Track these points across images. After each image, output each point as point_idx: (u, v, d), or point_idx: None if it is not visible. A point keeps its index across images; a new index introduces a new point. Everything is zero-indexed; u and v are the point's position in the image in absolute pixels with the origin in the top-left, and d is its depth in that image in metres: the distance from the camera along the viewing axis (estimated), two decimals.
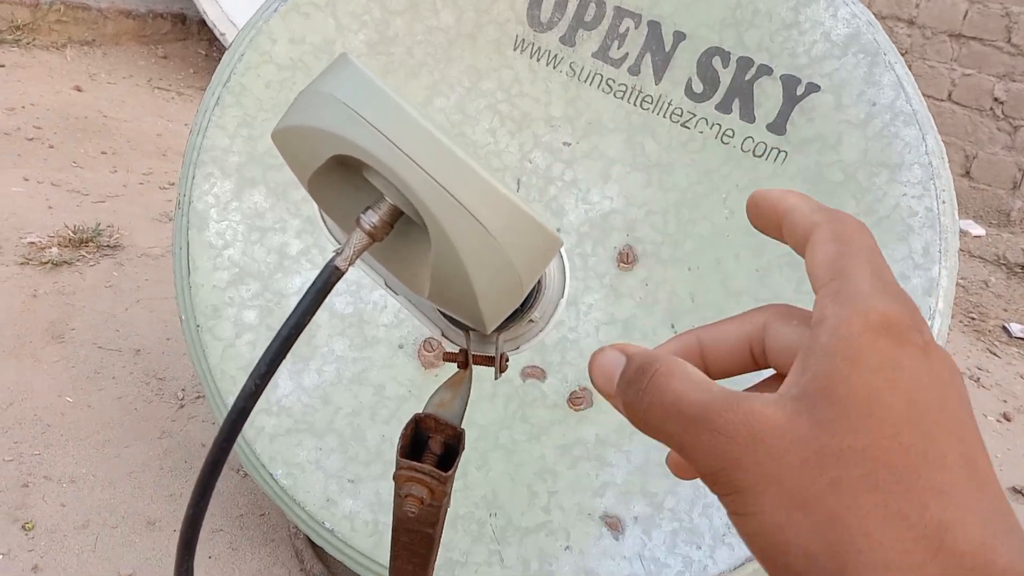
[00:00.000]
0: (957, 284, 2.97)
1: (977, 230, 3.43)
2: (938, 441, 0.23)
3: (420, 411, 0.48)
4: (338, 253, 0.36)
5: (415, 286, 0.37)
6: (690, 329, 0.33)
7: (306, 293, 0.36)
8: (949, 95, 3.54)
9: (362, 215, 0.35)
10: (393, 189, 0.33)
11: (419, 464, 0.45)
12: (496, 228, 0.32)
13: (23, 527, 1.20)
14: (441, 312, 0.48)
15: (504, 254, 0.32)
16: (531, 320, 0.50)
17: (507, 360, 0.53)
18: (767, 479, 0.23)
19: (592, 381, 0.31)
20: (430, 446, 0.45)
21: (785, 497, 0.23)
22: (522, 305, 0.51)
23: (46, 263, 1.86)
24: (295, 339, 0.38)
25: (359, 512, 1.08)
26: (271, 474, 1.09)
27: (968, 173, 3.58)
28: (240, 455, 1.12)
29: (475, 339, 0.50)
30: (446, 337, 0.53)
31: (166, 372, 1.59)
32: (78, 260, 1.91)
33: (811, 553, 0.23)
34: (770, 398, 0.25)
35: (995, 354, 2.49)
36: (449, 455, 0.46)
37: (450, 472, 0.44)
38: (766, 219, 0.31)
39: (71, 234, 1.98)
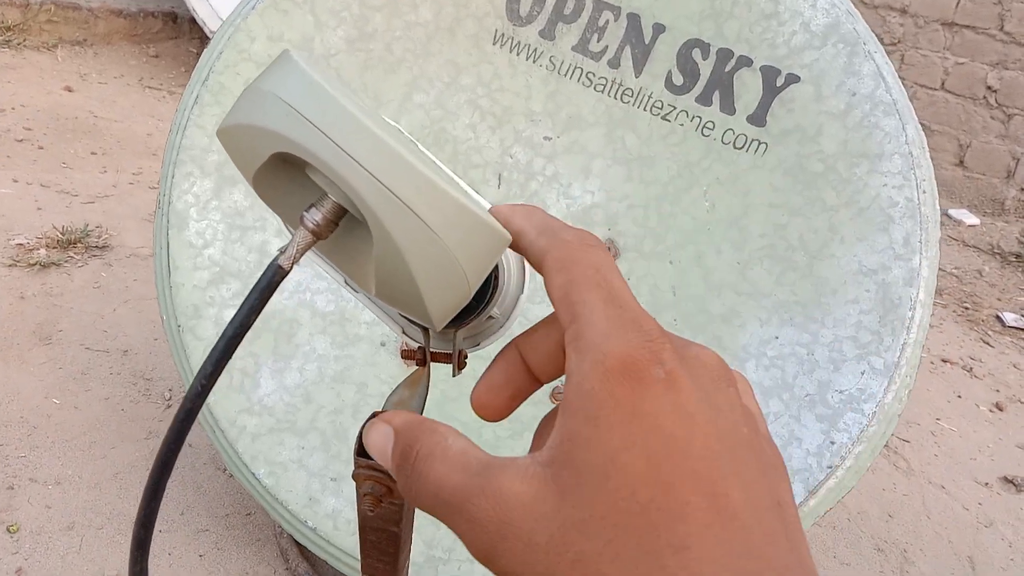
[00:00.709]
0: (951, 274, 2.97)
1: (971, 219, 3.42)
2: (677, 489, 0.22)
3: (379, 409, 0.47)
4: (282, 252, 0.36)
5: (363, 283, 0.37)
6: (513, 338, 0.33)
7: (251, 292, 0.36)
8: (942, 84, 3.53)
9: (305, 213, 0.35)
10: (335, 187, 0.33)
11: (375, 462, 0.44)
12: (437, 224, 0.32)
13: (8, 529, 1.20)
14: (402, 315, 0.48)
15: (447, 251, 0.32)
16: (491, 317, 0.50)
17: (466, 357, 0.53)
18: (520, 563, 0.23)
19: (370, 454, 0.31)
20: None
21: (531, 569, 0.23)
22: (480, 302, 0.50)
23: (34, 265, 1.86)
24: (241, 339, 0.37)
25: (342, 510, 1.08)
26: (253, 473, 1.09)
27: (962, 162, 3.57)
28: (223, 455, 1.11)
29: (434, 337, 0.50)
30: (406, 335, 0.52)
31: (153, 372, 1.59)
32: (66, 261, 1.91)
33: None
34: (523, 467, 0.25)
35: (988, 344, 2.48)
36: None
37: None
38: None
39: (59, 235, 1.98)
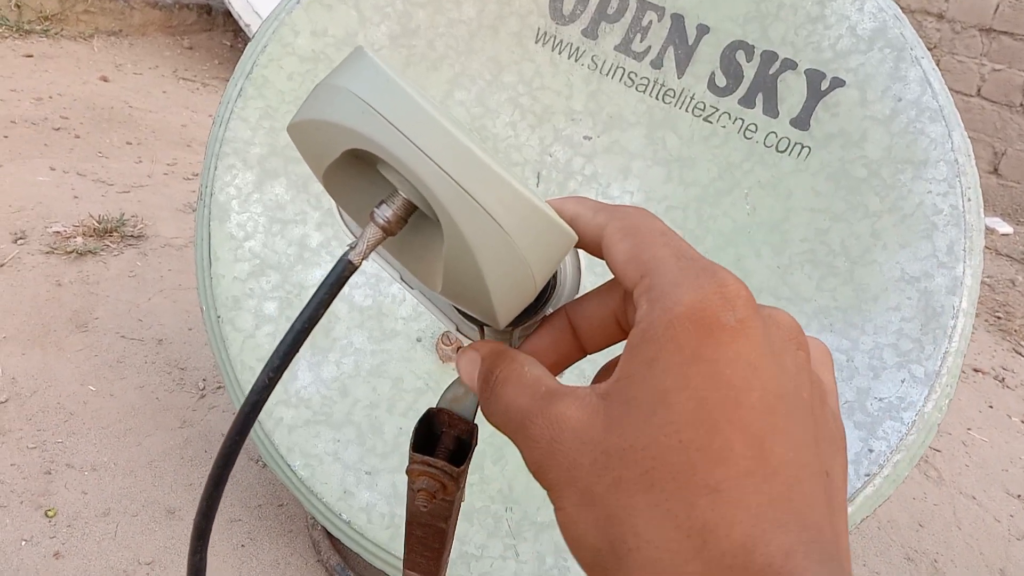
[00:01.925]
0: (983, 283, 2.93)
1: (1005, 228, 3.38)
2: (723, 434, 0.23)
3: (433, 405, 0.47)
4: (351, 247, 0.36)
5: (428, 281, 0.37)
6: (562, 306, 0.34)
7: (320, 286, 0.36)
8: (978, 91, 3.49)
9: (376, 209, 0.35)
10: (407, 184, 0.33)
11: (431, 459, 0.44)
12: (509, 224, 0.32)
13: (45, 514, 1.21)
14: (455, 307, 0.48)
15: (517, 250, 0.32)
16: (546, 315, 0.50)
17: None
18: (564, 480, 0.25)
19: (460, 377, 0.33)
20: (443, 441, 0.45)
21: (577, 496, 0.24)
22: (537, 300, 0.50)
23: (71, 252, 1.88)
24: (308, 333, 0.38)
25: (376, 504, 1.09)
26: (289, 465, 1.10)
27: (996, 170, 3.53)
28: (258, 445, 1.12)
29: (489, 334, 0.50)
30: (460, 332, 0.53)
31: (187, 362, 1.60)
32: (102, 250, 1.93)
33: (596, 548, 0.24)
34: (581, 396, 0.26)
35: (1021, 354, 2.45)
36: (462, 450, 0.46)
37: (463, 467, 0.44)
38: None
39: (96, 224, 2.00)
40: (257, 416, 0.44)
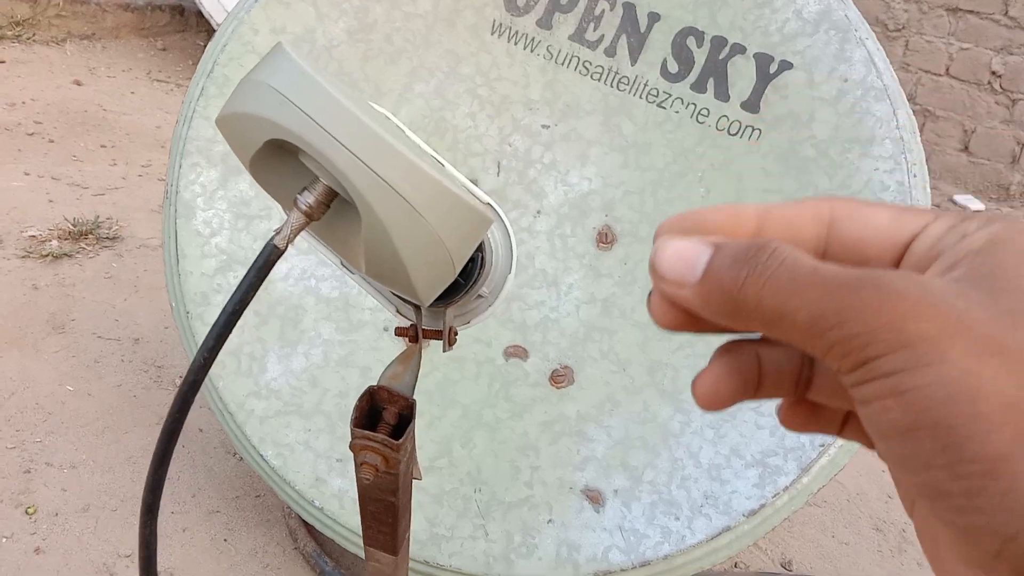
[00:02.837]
0: None
1: (976, 205, 3.42)
2: None
3: (373, 384, 0.50)
4: (277, 232, 0.38)
5: (354, 263, 0.39)
6: (738, 206, 0.28)
7: (248, 270, 0.39)
8: (947, 70, 3.53)
9: (299, 196, 0.37)
10: (325, 171, 0.35)
11: (372, 433, 0.47)
12: (422, 205, 0.34)
13: (26, 511, 1.23)
14: (395, 294, 0.51)
15: (431, 230, 0.34)
16: (480, 295, 0.53)
17: (456, 334, 0.55)
18: (953, 327, 0.21)
19: (659, 269, 0.26)
20: (384, 417, 0.47)
21: (977, 344, 0.21)
22: (467, 280, 0.53)
23: (47, 256, 1.89)
24: (240, 315, 0.40)
25: (347, 490, 1.11)
26: (262, 455, 1.12)
27: (967, 148, 3.57)
28: (231, 437, 1.14)
29: (426, 315, 0.52)
30: (400, 314, 0.55)
31: (164, 360, 1.62)
32: (78, 252, 1.94)
33: (1010, 400, 0.20)
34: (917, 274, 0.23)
35: None
36: (402, 425, 0.48)
37: (402, 440, 0.46)
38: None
39: (71, 227, 2.01)
40: (196, 394, 0.46)
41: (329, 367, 1.14)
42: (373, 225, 0.35)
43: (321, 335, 1.15)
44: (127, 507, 1.28)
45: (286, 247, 0.38)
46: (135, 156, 2.59)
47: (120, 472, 1.34)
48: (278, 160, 0.38)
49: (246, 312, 1.07)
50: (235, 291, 0.38)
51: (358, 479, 0.49)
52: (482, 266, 0.52)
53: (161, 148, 2.69)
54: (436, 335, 0.52)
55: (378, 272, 0.38)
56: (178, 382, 1.55)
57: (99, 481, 1.31)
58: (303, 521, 1.28)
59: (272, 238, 0.38)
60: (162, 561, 1.20)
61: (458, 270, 0.38)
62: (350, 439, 0.48)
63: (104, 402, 1.49)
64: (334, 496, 1.11)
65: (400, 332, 0.52)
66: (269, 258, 0.38)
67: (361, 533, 1.11)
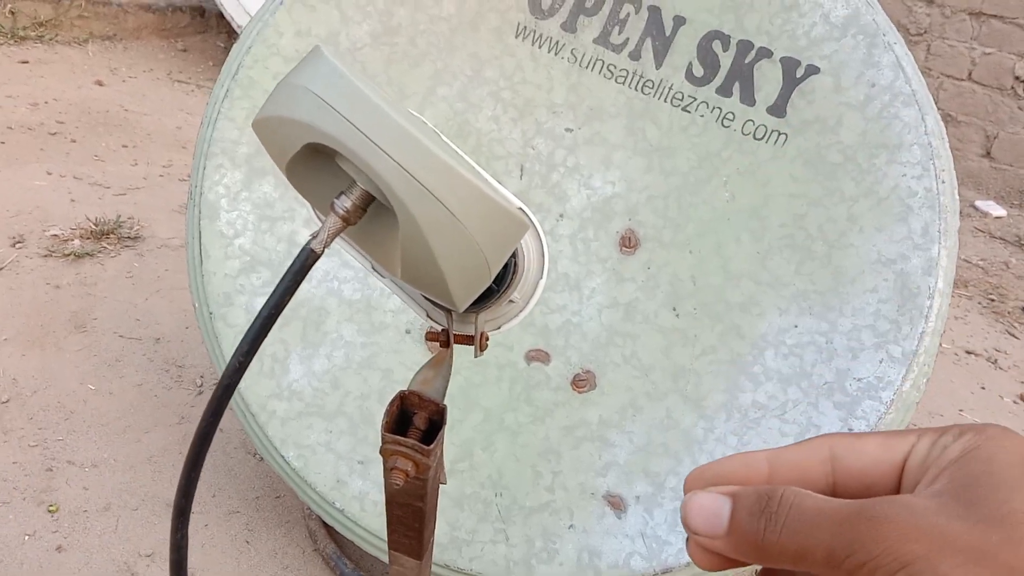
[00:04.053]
0: (976, 265, 2.95)
1: (998, 211, 3.39)
2: None
3: (404, 389, 0.50)
4: (314, 236, 0.38)
5: (389, 267, 0.39)
6: (746, 455, 0.32)
7: (285, 274, 0.38)
8: (969, 75, 3.50)
9: (336, 200, 0.37)
10: (363, 175, 0.35)
11: (403, 439, 0.47)
12: (460, 211, 0.34)
13: (48, 509, 1.24)
14: (423, 294, 0.51)
15: (469, 236, 0.34)
16: (511, 301, 0.52)
17: (487, 339, 0.55)
18: (939, 543, 0.25)
19: (690, 525, 0.30)
20: (415, 422, 0.46)
21: (961, 555, 0.24)
22: (500, 286, 0.53)
23: (69, 255, 1.90)
24: (275, 319, 0.40)
25: (368, 492, 1.11)
26: (283, 456, 1.12)
27: (989, 153, 3.54)
28: (253, 439, 1.15)
29: (457, 319, 0.52)
30: (431, 318, 0.55)
31: (184, 360, 1.63)
32: (99, 252, 1.95)
33: None
34: (909, 496, 0.27)
35: (1014, 335, 2.47)
36: (433, 430, 0.47)
37: (432, 446, 0.46)
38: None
39: (93, 226, 2.03)
40: (230, 398, 0.46)
41: (351, 369, 1.14)
42: (411, 230, 0.34)
43: (343, 337, 1.15)
44: (147, 506, 1.28)
45: (323, 251, 0.38)
46: (156, 156, 2.61)
47: (141, 471, 1.35)
48: (315, 164, 0.38)
49: None
50: (271, 295, 0.38)
51: (387, 484, 0.49)
52: (514, 271, 0.51)
53: (182, 149, 2.71)
54: (467, 340, 0.52)
55: (414, 277, 0.37)
56: (199, 382, 1.55)
57: (120, 480, 1.32)
58: (323, 522, 1.28)
59: (308, 242, 0.37)
60: None
61: (493, 275, 0.38)
62: (380, 444, 0.47)
63: (125, 401, 1.49)
64: (355, 498, 1.11)
65: (431, 337, 0.52)
66: (306, 262, 0.38)
67: (385, 537, 1.11)
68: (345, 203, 0.37)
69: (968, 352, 2.32)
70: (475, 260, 0.35)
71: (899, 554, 0.25)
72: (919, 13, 3.56)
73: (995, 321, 2.55)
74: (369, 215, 0.38)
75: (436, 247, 0.34)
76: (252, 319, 1.12)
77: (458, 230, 0.34)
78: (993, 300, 2.70)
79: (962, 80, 3.52)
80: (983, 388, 2.14)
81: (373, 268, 0.50)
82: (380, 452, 0.47)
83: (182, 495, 0.44)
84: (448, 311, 0.50)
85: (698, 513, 0.30)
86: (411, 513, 0.51)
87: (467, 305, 0.40)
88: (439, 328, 0.53)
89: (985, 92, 3.47)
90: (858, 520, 0.26)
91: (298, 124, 0.35)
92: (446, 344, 0.52)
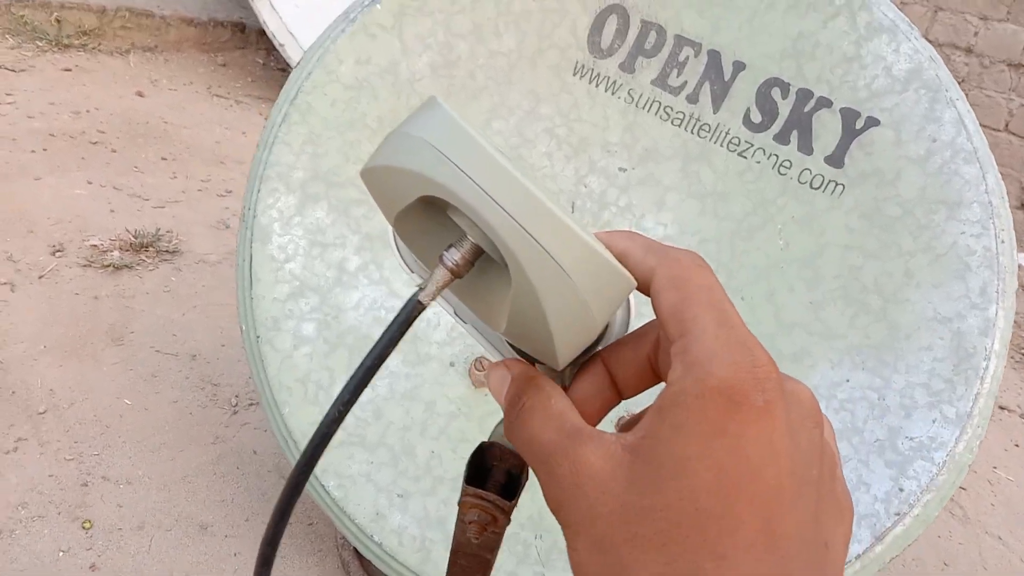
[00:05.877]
0: None
1: None
2: (735, 506, 0.24)
3: (486, 439, 0.49)
4: (421, 288, 0.38)
5: (491, 321, 0.38)
6: (597, 351, 0.35)
7: (390, 325, 0.38)
8: (1006, 125, 3.48)
9: (445, 252, 0.37)
10: (476, 229, 0.35)
11: (484, 492, 0.46)
12: (573, 270, 0.33)
13: (82, 526, 1.24)
14: (511, 345, 0.50)
15: (579, 294, 0.34)
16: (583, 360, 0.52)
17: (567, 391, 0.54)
18: (582, 522, 0.26)
19: (489, 385, 0.35)
20: (494, 475, 0.46)
21: (591, 541, 0.26)
22: (598, 343, 0.52)
23: (108, 266, 1.91)
24: (377, 368, 0.40)
25: (407, 527, 1.10)
26: (323, 485, 1.12)
27: (1023, 205, 3.51)
28: (293, 465, 1.14)
29: (542, 370, 0.51)
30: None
31: (220, 378, 1.63)
32: (138, 264, 1.96)
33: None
34: (607, 444, 0.28)
35: None
36: (512, 484, 0.47)
37: (514, 501, 0.45)
38: None
39: (132, 238, 2.04)
40: (326, 447, 0.45)
41: (394, 399, 1.14)
42: (523, 286, 0.34)
43: (387, 367, 1.15)
44: (181, 527, 1.28)
45: (429, 304, 0.38)
46: (195, 170, 2.63)
47: (175, 491, 1.34)
48: (424, 215, 0.37)
49: (316, 340, 1.07)
50: (375, 344, 0.38)
51: (463, 537, 0.48)
52: (607, 327, 0.51)
53: (220, 164, 2.73)
54: None
55: (518, 333, 0.37)
56: (234, 402, 1.55)
57: (154, 499, 1.31)
58: (356, 553, 1.27)
59: (416, 294, 0.37)
60: None
61: (598, 334, 0.37)
62: (460, 495, 0.46)
63: (160, 418, 1.49)
64: (393, 532, 1.10)
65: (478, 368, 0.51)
66: (411, 314, 0.37)
67: (420, 572, 1.10)
68: (455, 256, 0.36)
69: (1001, 407, 2.29)
70: (584, 319, 0.35)
71: (559, 517, 0.28)
72: (957, 62, 3.55)
73: None
74: (475, 268, 0.38)
75: (546, 304, 0.34)
76: (298, 343, 1.12)
77: (569, 287, 0.34)
78: None
79: (999, 131, 3.50)
80: (1016, 445, 2.11)
81: (455, 313, 0.49)
82: (459, 504, 0.46)
83: (268, 544, 0.43)
84: (535, 363, 0.49)
85: (492, 383, 0.35)
86: (477, 564, 0.50)
87: (568, 363, 0.39)
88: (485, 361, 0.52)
89: (1021, 143, 3.45)
90: (540, 470, 0.29)
91: (413, 175, 0.35)
92: None
